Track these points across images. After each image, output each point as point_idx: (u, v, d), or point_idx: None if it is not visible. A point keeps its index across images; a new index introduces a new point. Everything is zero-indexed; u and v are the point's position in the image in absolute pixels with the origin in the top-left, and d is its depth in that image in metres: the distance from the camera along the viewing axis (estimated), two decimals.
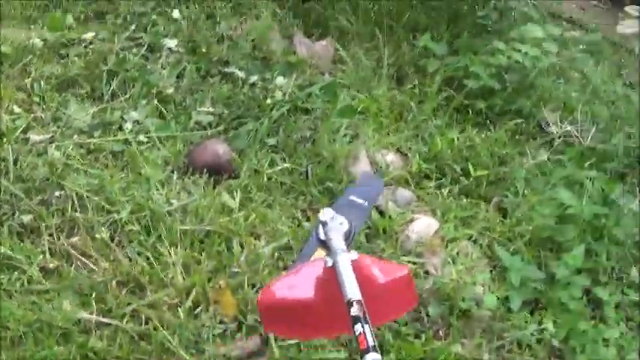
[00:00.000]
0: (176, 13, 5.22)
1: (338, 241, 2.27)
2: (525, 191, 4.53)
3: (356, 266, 2.17)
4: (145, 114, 4.46)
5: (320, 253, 2.44)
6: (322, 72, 5.17)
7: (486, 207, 4.46)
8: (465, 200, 4.46)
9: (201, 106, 4.57)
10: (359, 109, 4.76)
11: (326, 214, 2.35)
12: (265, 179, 4.20)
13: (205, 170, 4.14)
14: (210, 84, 4.78)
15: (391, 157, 4.57)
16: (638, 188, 4.73)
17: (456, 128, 4.94)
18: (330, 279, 2.19)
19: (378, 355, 1.91)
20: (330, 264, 2.20)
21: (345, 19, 5.73)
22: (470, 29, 5.86)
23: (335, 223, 2.33)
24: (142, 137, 4.30)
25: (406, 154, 4.68)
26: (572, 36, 6.75)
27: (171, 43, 4.97)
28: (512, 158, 4.82)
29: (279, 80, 4.75)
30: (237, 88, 4.72)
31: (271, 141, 4.43)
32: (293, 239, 3.88)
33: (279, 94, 4.64)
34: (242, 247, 3.80)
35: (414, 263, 3.92)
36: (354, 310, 2.02)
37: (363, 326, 1.97)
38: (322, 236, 2.33)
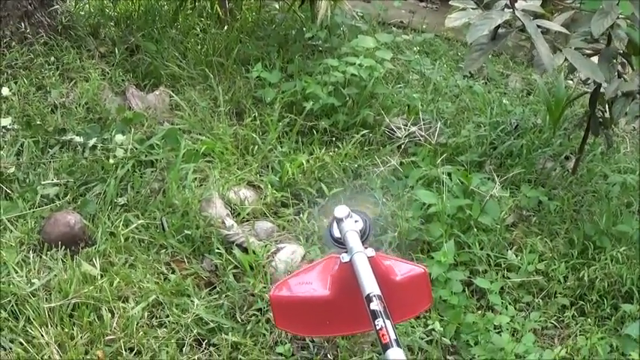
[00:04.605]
0: (5, 91, 5.07)
1: (354, 238, 2.22)
2: (385, 199, 4.54)
3: (373, 263, 2.14)
4: None
5: None
6: (160, 121, 5.12)
7: None
8: (326, 220, 4.42)
9: (46, 179, 4.45)
10: (203, 152, 4.74)
11: (341, 211, 2.29)
12: (122, 240, 4.10)
13: (60, 243, 4.02)
14: (50, 155, 4.66)
15: (244, 192, 4.55)
16: (495, 174, 4.78)
17: (303, 151, 4.96)
18: (346, 275, 2.17)
19: (400, 350, 1.87)
20: (346, 260, 2.17)
21: (175, 65, 5.72)
22: (301, 52, 5.90)
23: (350, 221, 2.28)
24: None
25: (259, 187, 4.68)
26: (404, 40, 6.84)
27: (5, 121, 4.83)
28: (366, 170, 4.86)
29: (119, 138, 4.66)
30: (78, 154, 4.63)
31: (121, 200, 4.35)
32: (162, 294, 3.81)
33: (120, 152, 4.56)
34: (112, 313, 3.70)
35: None
36: (374, 305, 1.98)
37: (384, 321, 1.94)
38: (337, 233, 2.29)
